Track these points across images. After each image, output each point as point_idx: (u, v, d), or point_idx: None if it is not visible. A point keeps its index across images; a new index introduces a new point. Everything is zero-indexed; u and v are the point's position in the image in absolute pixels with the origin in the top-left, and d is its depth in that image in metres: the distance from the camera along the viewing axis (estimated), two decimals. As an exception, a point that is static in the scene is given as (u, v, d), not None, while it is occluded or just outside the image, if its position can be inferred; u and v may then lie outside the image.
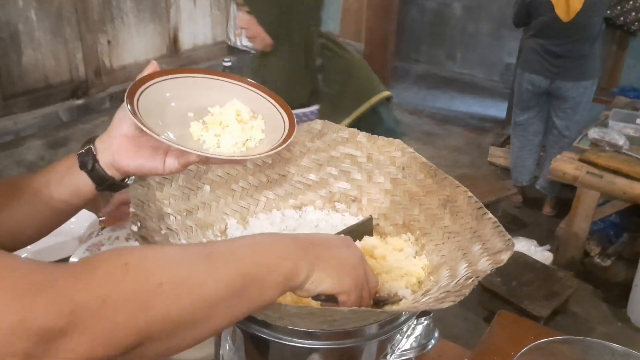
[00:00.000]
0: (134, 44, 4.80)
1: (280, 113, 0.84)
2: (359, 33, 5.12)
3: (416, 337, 0.80)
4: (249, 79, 0.87)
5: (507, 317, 1.27)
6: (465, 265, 0.79)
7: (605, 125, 3.19)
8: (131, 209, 0.78)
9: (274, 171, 1.03)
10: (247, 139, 0.79)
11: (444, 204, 0.95)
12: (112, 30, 4.59)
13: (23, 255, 1.38)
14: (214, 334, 0.64)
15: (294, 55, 1.61)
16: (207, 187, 0.94)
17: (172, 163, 0.78)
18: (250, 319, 0.76)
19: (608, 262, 3.08)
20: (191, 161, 0.79)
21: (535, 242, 3.13)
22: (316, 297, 0.67)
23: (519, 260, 2.83)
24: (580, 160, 2.85)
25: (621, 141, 2.93)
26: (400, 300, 0.83)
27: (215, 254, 0.60)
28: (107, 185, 0.81)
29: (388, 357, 0.80)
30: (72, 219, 1.53)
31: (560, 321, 2.67)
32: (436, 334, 0.82)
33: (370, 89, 1.64)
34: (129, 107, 0.73)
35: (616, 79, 4.02)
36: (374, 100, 1.59)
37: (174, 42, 5.09)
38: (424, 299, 0.75)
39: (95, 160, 0.79)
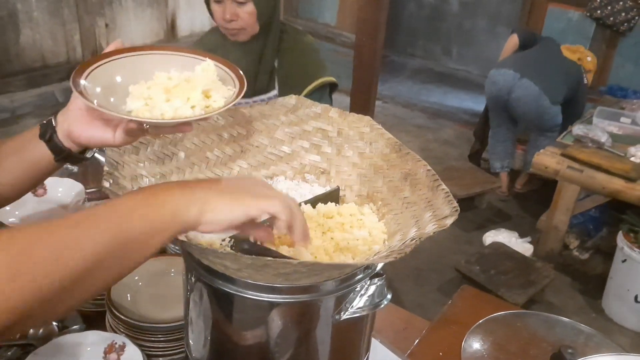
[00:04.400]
0: (132, 28, 4.83)
1: (233, 79, 0.87)
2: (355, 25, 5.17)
3: (369, 296, 0.86)
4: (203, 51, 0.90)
5: (469, 291, 1.34)
6: (415, 230, 0.85)
7: (590, 122, 3.26)
8: (105, 168, 0.84)
9: (248, 142, 1.08)
10: (206, 106, 0.81)
11: (405, 177, 1.00)
12: (110, 13, 4.63)
13: (10, 220, 1.43)
14: (113, 283, 0.66)
15: (270, 42, 1.67)
16: (182, 154, 1.00)
17: (120, 134, 0.82)
18: (213, 273, 0.82)
19: (586, 255, 3.15)
20: (130, 128, 0.81)
21: (516, 234, 3.20)
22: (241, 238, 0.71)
23: (499, 251, 2.90)
24: (563, 155, 2.92)
25: (604, 138, 3.00)
26: None
27: (91, 217, 0.61)
28: (64, 156, 0.85)
29: (342, 313, 0.86)
30: (60, 188, 1.59)
31: (535, 309, 2.74)
32: (389, 295, 0.88)
33: (315, 72, 1.74)
34: (72, 80, 0.77)
35: (604, 78, 4.08)
36: (318, 82, 1.70)
37: (172, 27, 5.13)
38: (371, 258, 0.81)
39: (54, 131, 0.84)
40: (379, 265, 0.88)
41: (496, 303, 1.35)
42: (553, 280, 2.79)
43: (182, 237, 0.86)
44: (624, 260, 2.64)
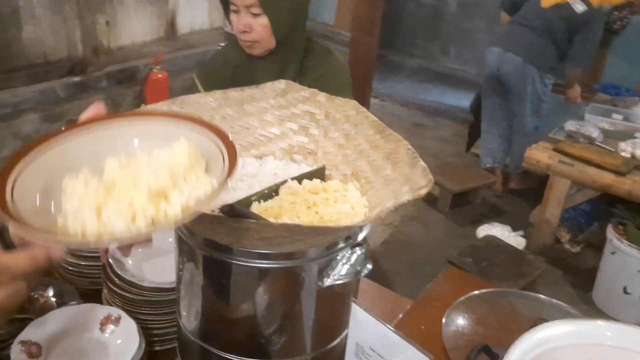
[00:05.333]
0: (132, 25, 4.89)
1: (223, 156, 0.64)
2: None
3: (351, 264, 0.91)
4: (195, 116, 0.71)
5: (453, 271, 1.39)
6: (393, 202, 0.90)
7: (582, 118, 3.30)
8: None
9: (238, 123, 1.14)
10: (165, 213, 0.58)
11: (387, 156, 1.05)
12: (111, 11, 4.68)
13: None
14: None
15: (293, 60, 1.60)
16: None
17: None
18: (204, 241, 0.87)
19: (577, 249, 3.20)
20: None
21: (509, 228, 3.25)
22: None
23: (492, 243, 2.95)
24: (554, 149, 2.97)
25: (595, 133, 3.04)
26: None
27: None
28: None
29: (325, 280, 0.91)
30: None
31: (526, 301, 2.79)
32: (369, 265, 0.93)
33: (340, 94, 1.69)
34: None
35: (598, 77, 4.13)
36: None
37: (172, 25, 5.18)
38: (351, 224, 0.86)
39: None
40: (360, 236, 0.93)
41: (479, 282, 1.39)
42: (544, 272, 2.83)
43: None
44: (613, 253, 2.69)
